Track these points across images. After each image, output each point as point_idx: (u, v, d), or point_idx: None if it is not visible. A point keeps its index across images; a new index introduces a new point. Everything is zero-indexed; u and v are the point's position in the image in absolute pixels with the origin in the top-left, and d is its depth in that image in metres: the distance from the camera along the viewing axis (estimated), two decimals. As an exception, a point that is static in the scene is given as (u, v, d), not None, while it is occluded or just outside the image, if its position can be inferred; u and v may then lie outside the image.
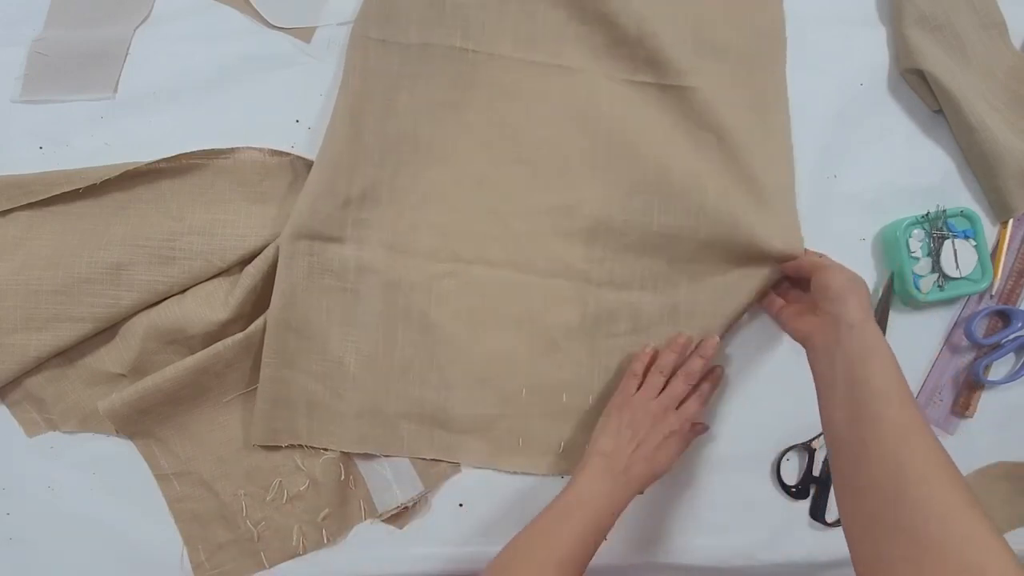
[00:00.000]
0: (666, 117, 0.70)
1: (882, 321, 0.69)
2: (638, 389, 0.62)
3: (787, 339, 0.69)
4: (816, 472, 0.68)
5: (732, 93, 0.70)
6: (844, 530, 0.47)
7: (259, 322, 0.63)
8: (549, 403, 0.66)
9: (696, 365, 0.63)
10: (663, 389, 0.62)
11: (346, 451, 0.65)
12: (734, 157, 0.68)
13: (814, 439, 0.68)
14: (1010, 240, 0.71)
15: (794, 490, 0.67)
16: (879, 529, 0.43)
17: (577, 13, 0.70)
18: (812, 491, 0.68)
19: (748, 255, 0.66)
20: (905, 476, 0.44)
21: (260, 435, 0.64)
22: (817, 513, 0.67)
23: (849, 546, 0.46)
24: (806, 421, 0.68)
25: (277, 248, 0.64)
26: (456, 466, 0.66)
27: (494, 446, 0.66)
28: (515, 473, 0.66)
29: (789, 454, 0.68)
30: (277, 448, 0.65)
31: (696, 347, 0.65)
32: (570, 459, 0.66)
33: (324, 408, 0.65)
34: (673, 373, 0.63)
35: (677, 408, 0.62)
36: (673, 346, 0.64)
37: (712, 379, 0.65)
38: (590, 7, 0.69)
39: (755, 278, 0.66)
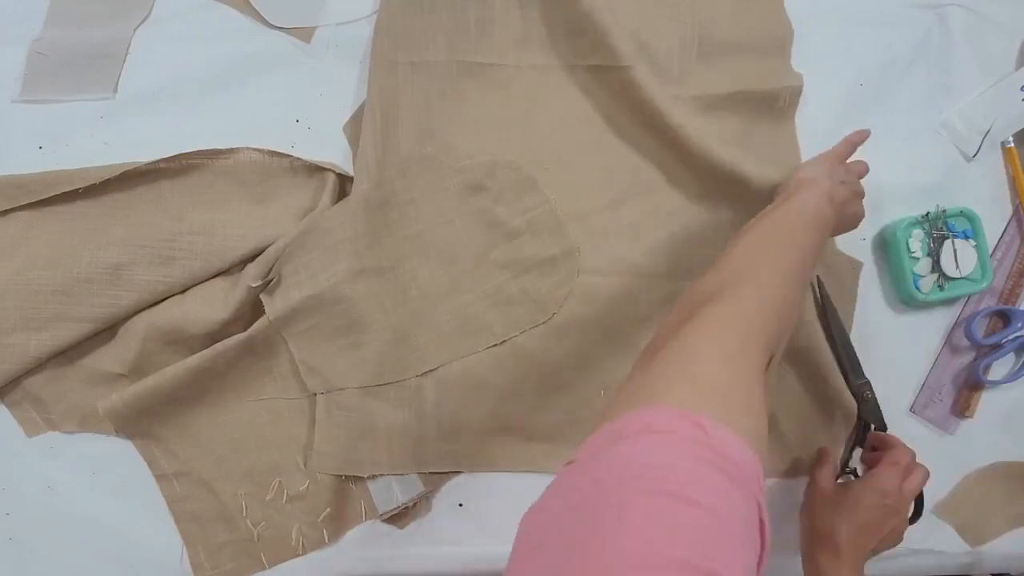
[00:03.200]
0: (686, 118, 0.70)
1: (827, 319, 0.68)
2: None
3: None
4: (816, 472, 0.68)
5: (742, 96, 0.71)
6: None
7: (260, 322, 0.63)
8: None
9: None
10: None
11: (431, 472, 0.64)
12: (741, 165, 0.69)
13: (814, 439, 0.68)
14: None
15: (794, 490, 0.67)
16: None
17: (592, 22, 0.69)
18: (812, 491, 0.68)
19: None
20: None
21: (337, 465, 0.63)
22: (817, 513, 0.67)
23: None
24: (806, 421, 0.68)
25: (278, 250, 0.63)
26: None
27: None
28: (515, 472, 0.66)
29: (789, 454, 0.68)
30: (277, 448, 0.65)
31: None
32: None
33: (406, 434, 0.64)
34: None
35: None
36: None
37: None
38: (587, 11, 0.69)
39: None
